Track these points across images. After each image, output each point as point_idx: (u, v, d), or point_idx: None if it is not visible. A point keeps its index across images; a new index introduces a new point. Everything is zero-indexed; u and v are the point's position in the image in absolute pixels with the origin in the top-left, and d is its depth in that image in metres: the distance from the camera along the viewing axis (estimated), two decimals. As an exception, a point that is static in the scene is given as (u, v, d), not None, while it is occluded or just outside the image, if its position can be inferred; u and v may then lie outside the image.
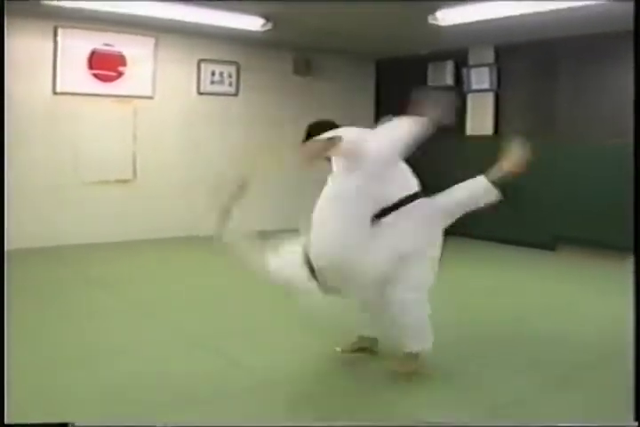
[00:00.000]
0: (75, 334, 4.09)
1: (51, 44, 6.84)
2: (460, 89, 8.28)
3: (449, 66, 8.40)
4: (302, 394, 3.24)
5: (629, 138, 6.67)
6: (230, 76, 8.16)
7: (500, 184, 3.56)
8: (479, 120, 8.19)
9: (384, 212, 3.17)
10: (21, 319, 4.07)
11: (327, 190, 3.30)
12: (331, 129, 3.22)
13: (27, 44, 6.67)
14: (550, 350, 3.98)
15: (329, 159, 3.33)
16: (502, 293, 5.50)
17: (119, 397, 3.08)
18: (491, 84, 8.01)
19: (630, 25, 2.91)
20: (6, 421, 2.37)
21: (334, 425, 2.54)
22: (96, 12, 6.21)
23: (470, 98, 8.29)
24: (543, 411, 3.02)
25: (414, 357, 3.37)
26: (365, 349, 3.72)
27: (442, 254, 3.70)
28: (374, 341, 3.74)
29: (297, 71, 8.61)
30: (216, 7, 6.18)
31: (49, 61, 6.86)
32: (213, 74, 8.03)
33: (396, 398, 3.11)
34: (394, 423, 2.51)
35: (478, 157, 7.80)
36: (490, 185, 3.45)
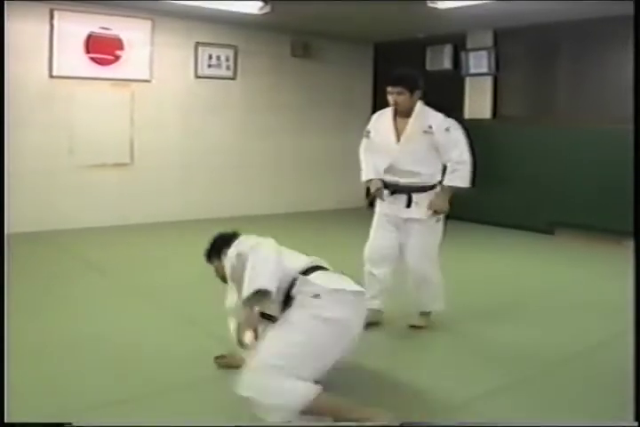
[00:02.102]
0: (74, 320, 4.08)
1: (47, 28, 6.79)
2: (458, 73, 8.26)
3: (447, 49, 8.37)
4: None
5: (628, 122, 6.69)
6: (228, 59, 8.12)
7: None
8: (477, 104, 8.17)
9: None
10: (19, 306, 4.05)
11: None
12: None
13: (23, 28, 6.62)
14: (547, 333, 4.00)
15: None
16: (500, 276, 5.53)
17: (119, 386, 3.10)
18: (489, 67, 7.98)
19: (628, 9, 2.90)
20: (6, 420, 2.37)
21: (333, 425, 2.55)
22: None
23: (468, 82, 8.27)
24: (539, 393, 3.05)
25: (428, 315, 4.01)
26: (374, 323, 3.81)
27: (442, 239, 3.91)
28: (379, 313, 3.98)
29: (295, 54, 8.57)
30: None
31: (45, 45, 6.82)
32: (211, 57, 7.99)
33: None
34: (393, 423, 2.52)
35: (476, 140, 7.85)
36: None
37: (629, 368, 2.48)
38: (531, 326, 4.15)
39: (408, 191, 3.85)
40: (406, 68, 4.15)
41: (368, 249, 4.02)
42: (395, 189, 3.89)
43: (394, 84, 3.83)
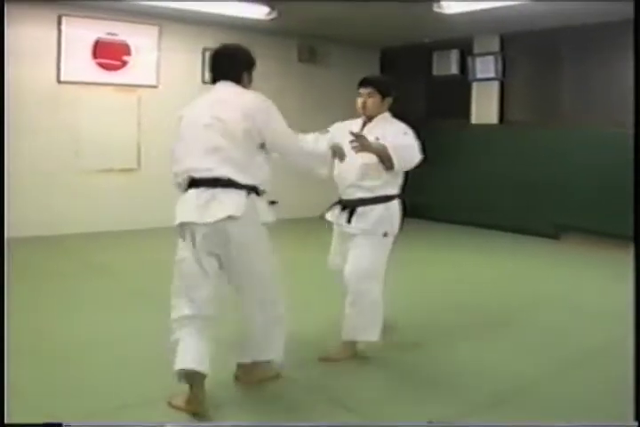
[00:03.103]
0: (77, 325, 4.08)
1: (55, 33, 6.83)
2: (465, 78, 8.26)
3: (454, 54, 8.36)
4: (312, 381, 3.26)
5: (632, 126, 6.67)
6: (235, 64, 8.12)
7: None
8: (484, 109, 8.16)
9: None
10: (22, 308, 4.04)
11: None
12: None
13: (31, 33, 6.66)
14: (554, 337, 3.99)
15: None
16: (506, 280, 5.51)
17: (124, 387, 3.10)
18: (496, 72, 7.97)
19: (632, 14, 2.91)
20: (6, 421, 2.36)
21: (333, 425, 2.54)
22: (100, 1, 6.20)
23: (475, 87, 8.26)
24: (545, 397, 3.04)
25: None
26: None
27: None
28: None
29: (302, 59, 8.59)
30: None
31: (53, 50, 6.85)
32: (218, 63, 7.99)
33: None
34: (394, 423, 2.51)
35: (483, 145, 7.86)
36: None
37: (629, 383, 2.46)
38: (530, 331, 4.14)
39: (353, 205, 3.58)
40: (383, 75, 3.92)
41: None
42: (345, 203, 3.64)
43: (365, 85, 3.60)
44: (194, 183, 2.96)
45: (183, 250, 3.02)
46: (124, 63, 7.30)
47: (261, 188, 2.95)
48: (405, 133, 3.52)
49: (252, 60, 3.19)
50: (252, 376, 3.14)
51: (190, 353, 2.79)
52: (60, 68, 6.91)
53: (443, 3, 6.05)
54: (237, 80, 3.08)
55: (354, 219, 3.53)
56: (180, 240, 3.06)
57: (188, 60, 7.81)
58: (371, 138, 3.38)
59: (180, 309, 2.88)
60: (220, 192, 2.85)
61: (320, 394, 3.06)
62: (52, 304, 4.48)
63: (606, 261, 6.33)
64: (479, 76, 8.14)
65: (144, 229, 7.32)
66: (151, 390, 3.06)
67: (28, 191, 6.65)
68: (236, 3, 6.38)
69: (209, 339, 2.87)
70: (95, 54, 7.09)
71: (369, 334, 3.49)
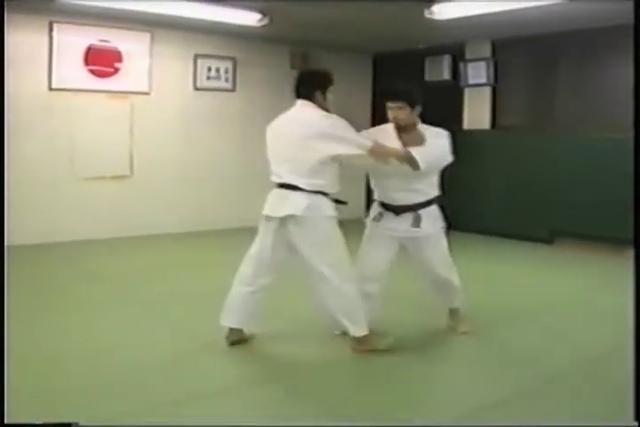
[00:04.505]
0: (74, 330, 4.08)
1: (46, 40, 6.81)
2: (457, 83, 8.28)
3: (446, 60, 8.38)
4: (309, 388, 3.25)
5: (626, 131, 6.69)
6: (227, 71, 8.14)
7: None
8: (476, 115, 8.18)
9: None
10: (18, 316, 4.03)
11: None
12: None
13: (22, 40, 6.62)
14: (548, 343, 3.98)
15: None
16: (498, 285, 5.50)
17: (119, 393, 3.08)
18: (488, 78, 7.99)
19: (626, 19, 2.91)
20: (6, 421, 2.36)
21: (335, 425, 2.54)
22: (92, 7, 6.19)
23: (467, 92, 8.28)
24: (533, 409, 3.03)
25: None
26: None
27: None
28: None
29: (294, 66, 8.58)
30: (212, 2, 6.15)
31: (45, 57, 6.83)
32: (210, 69, 8.01)
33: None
34: (393, 423, 2.50)
35: (476, 151, 7.87)
36: None
37: (629, 382, 2.46)
38: (528, 336, 4.14)
39: (409, 210, 3.77)
40: (405, 82, 4.08)
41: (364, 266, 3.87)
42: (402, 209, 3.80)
43: (394, 98, 3.71)
44: (277, 185, 3.60)
45: (262, 233, 3.67)
46: (116, 70, 7.29)
47: (326, 191, 3.53)
48: (437, 135, 3.74)
49: (327, 80, 3.67)
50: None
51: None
52: (52, 75, 6.89)
53: (435, 9, 6.05)
54: (310, 98, 3.60)
55: (423, 223, 3.77)
56: (261, 227, 3.68)
57: (180, 66, 7.80)
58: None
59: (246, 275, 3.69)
60: (288, 194, 3.49)
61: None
62: (47, 311, 4.46)
63: (600, 264, 6.35)
64: (471, 81, 8.16)
65: (137, 237, 7.31)
66: (153, 394, 3.06)
67: (20, 199, 6.61)
68: (228, 9, 6.36)
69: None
70: (87, 61, 7.07)
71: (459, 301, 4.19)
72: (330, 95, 3.63)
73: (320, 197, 3.50)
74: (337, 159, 3.51)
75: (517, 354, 3.80)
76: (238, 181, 8.32)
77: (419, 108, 3.76)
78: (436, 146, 3.66)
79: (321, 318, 3.79)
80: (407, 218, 3.76)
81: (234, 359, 3.62)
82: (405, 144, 3.65)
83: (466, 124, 8.19)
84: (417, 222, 3.75)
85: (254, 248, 3.70)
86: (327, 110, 3.60)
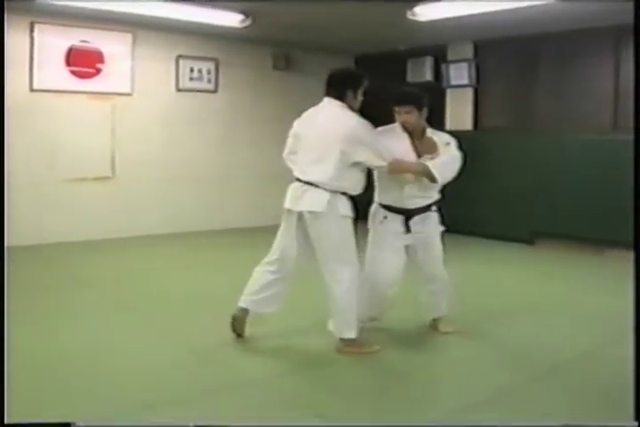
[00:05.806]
0: (61, 333, 4.05)
1: (27, 41, 6.76)
2: (439, 85, 8.31)
3: (428, 61, 8.42)
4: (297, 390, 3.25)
5: (608, 132, 6.76)
6: (209, 72, 8.12)
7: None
8: (459, 115, 8.22)
9: None
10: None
11: None
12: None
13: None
14: (538, 341, 4.02)
15: None
16: (478, 286, 5.52)
17: (111, 395, 3.08)
18: (470, 79, 8.04)
19: (607, 21, 2.95)
20: (6, 421, 2.35)
21: (335, 425, 2.54)
22: (73, 8, 6.16)
23: (449, 93, 8.32)
24: (524, 406, 3.05)
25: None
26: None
27: None
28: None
29: (276, 67, 8.59)
30: (194, 3, 6.14)
31: (26, 58, 6.78)
32: (192, 70, 7.99)
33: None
34: (393, 423, 2.51)
35: (458, 151, 7.89)
36: None
37: (629, 383, 2.48)
38: (517, 335, 4.16)
39: (418, 213, 3.87)
40: (410, 86, 4.12)
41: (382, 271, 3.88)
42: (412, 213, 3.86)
43: (401, 103, 3.73)
44: (298, 179, 3.65)
45: (284, 225, 3.75)
46: (98, 71, 7.25)
47: (349, 192, 3.61)
48: (447, 144, 3.77)
49: (359, 80, 3.70)
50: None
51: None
52: (33, 76, 6.84)
53: (417, 10, 6.07)
54: (340, 97, 3.61)
55: (429, 225, 3.93)
56: (284, 219, 3.76)
57: (162, 67, 7.78)
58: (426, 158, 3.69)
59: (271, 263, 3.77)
60: (308, 189, 3.55)
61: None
62: (34, 314, 4.42)
63: (581, 265, 6.40)
64: (453, 82, 8.20)
65: (119, 238, 7.28)
66: (148, 396, 3.05)
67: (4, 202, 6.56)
68: (210, 10, 6.36)
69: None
70: (68, 62, 7.03)
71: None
72: (360, 97, 3.67)
73: (339, 195, 3.56)
74: (359, 164, 3.56)
75: (508, 352, 3.83)
76: (220, 181, 8.31)
77: (426, 111, 3.79)
78: (450, 158, 3.74)
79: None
80: (415, 220, 3.85)
81: (234, 360, 3.62)
82: (419, 154, 3.72)
83: (448, 126, 8.23)
84: (424, 224, 3.88)
85: (279, 239, 3.77)
86: (356, 111, 3.62)
